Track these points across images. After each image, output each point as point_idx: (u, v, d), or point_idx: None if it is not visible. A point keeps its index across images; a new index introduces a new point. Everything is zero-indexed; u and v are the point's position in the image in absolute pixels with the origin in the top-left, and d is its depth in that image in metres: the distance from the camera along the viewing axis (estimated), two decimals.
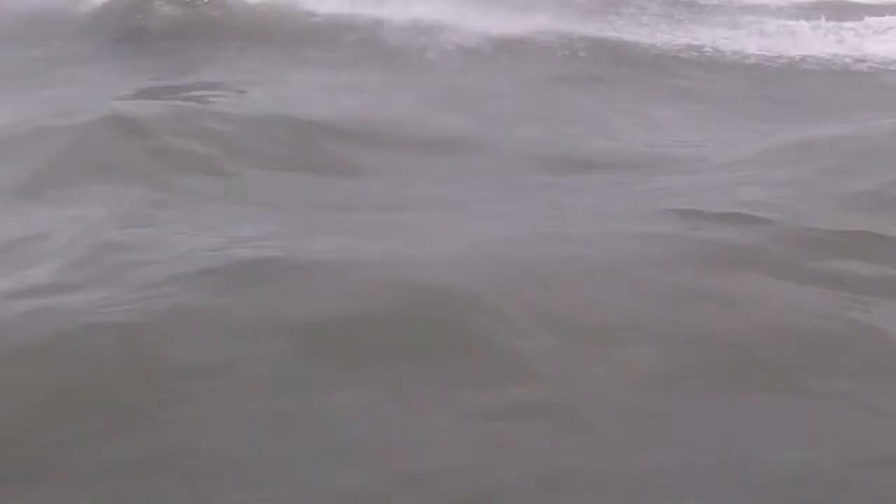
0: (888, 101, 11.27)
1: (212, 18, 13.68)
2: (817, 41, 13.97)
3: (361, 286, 5.59)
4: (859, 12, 14.86)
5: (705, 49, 13.32)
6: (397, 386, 4.87)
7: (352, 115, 9.71)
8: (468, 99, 10.87)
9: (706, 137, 9.68)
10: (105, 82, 11.27)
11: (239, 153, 8.31)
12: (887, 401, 4.96)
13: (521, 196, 7.71)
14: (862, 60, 13.09)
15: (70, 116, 8.99)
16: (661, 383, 4.96)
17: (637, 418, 4.72)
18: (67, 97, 10.00)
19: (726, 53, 13.30)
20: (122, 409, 4.61)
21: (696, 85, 12.12)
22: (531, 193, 7.79)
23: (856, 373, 5.15)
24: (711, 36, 13.87)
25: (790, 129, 9.76)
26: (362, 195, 7.60)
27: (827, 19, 14.79)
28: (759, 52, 13.40)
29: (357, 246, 6.19)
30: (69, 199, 7.04)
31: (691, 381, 5.01)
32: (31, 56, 12.30)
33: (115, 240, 6.13)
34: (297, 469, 4.35)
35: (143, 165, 7.86)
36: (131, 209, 6.85)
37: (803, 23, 14.72)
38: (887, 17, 14.74)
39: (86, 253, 5.93)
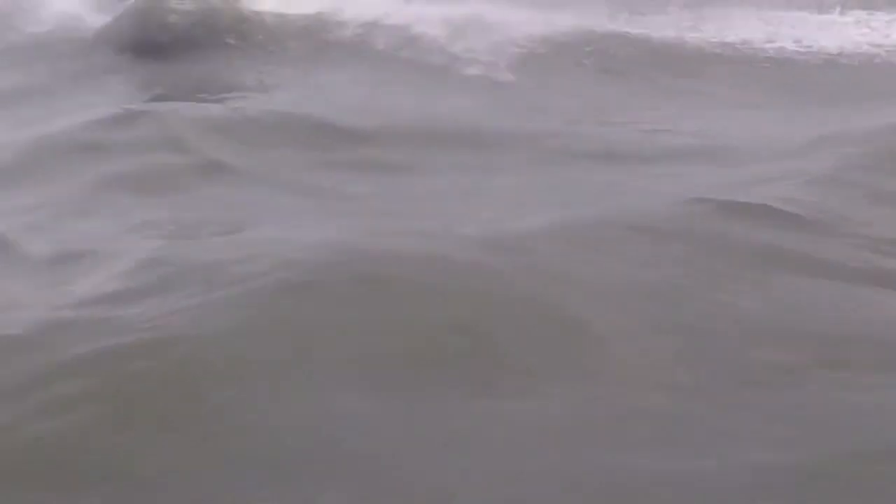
0: None
1: (232, 27, 13.79)
2: (852, 33, 14.00)
3: (379, 290, 5.73)
4: (894, 4, 14.89)
5: (736, 44, 13.39)
6: (410, 392, 5.00)
7: (378, 114, 9.90)
8: (497, 96, 11.02)
9: (738, 132, 9.73)
10: (128, 94, 11.51)
11: (273, 159, 8.52)
12: None
13: (545, 188, 7.86)
14: None
15: (101, 130, 9.23)
16: (680, 384, 5.04)
17: (657, 420, 4.80)
18: (94, 110, 10.18)
19: (759, 48, 13.35)
20: (168, 420, 4.76)
21: (728, 79, 12.18)
22: (557, 186, 7.93)
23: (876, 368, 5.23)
24: (743, 30, 13.94)
25: (824, 122, 9.83)
26: (394, 194, 7.75)
27: (862, 11, 14.84)
28: (793, 47, 13.45)
29: (383, 246, 6.30)
30: (112, 213, 7.24)
31: (710, 382, 5.08)
32: (52, 72, 12.52)
33: (161, 251, 6.29)
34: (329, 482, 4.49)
35: (180, 176, 8.04)
36: (175, 219, 7.05)
37: (836, 15, 14.78)
38: None
39: (132, 265, 6.09)
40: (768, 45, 13.46)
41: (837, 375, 5.13)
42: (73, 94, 11.35)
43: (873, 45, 13.47)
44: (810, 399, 4.94)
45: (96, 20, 14.19)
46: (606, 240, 6.43)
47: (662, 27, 13.87)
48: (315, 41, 13.13)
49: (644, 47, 13.13)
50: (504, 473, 4.48)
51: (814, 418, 4.79)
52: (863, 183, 7.62)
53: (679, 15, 14.76)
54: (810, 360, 5.26)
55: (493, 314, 5.56)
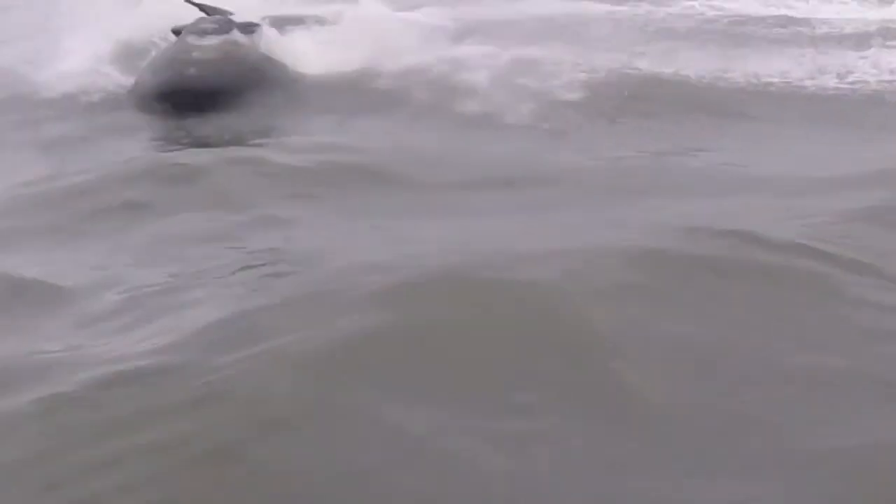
0: None
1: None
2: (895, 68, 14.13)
3: (443, 332, 6.04)
4: None
5: (776, 82, 13.54)
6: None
7: (424, 161, 10.22)
8: (542, 140, 11.23)
9: (778, 168, 9.92)
10: (168, 146, 11.67)
11: (323, 208, 8.80)
12: None
13: (591, 223, 8.11)
14: None
15: (147, 182, 9.54)
16: (706, 424, 5.23)
17: (685, 462, 5.00)
18: (136, 163, 10.48)
19: (800, 85, 13.49)
20: (229, 477, 4.95)
21: (769, 116, 12.27)
22: (604, 220, 8.17)
23: None
24: (783, 68, 14.11)
25: (866, 159, 10.00)
26: (448, 236, 7.87)
27: None
28: (834, 83, 13.57)
29: (445, 287, 6.54)
30: (168, 268, 7.44)
31: (740, 424, 5.25)
32: (87, 124, 12.79)
33: (221, 303, 6.47)
34: None
35: (232, 228, 8.29)
36: (231, 270, 7.30)
37: (878, 49, 14.94)
38: None
39: (193, 318, 6.30)
40: (809, 82, 13.60)
41: (869, 421, 5.24)
42: (111, 146, 11.57)
43: None
44: (844, 441, 5.07)
45: (121, 74, 14.50)
46: (650, 271, 6.63)
47: (700, 66, 14.03)
48: (355, 90, 13.32)
49: (683, 87, 13.29)
50: None
51: (853, 463, 4.94)
52: None
53: (716, 53, 14.97)
54: (842, 400, 5.40)
55: (545, 349, 5.83)
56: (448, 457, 5.02)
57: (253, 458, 5.01)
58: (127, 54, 15.35)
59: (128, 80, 14.19)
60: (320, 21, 15.94)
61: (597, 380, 5.57)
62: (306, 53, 14.43)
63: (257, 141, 11.80)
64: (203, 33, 14.07)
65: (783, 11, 18.13)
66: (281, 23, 15.60)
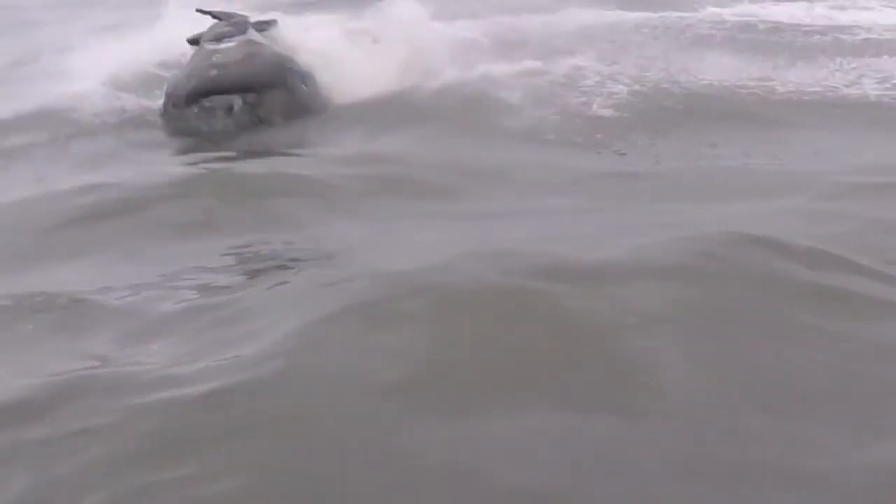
0: None
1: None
2: None
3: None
4: None
5: (819, 90, 13.54)
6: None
7: (460, 171, 10.30)
8: (582, 154, 11.27)
9: (817, 174, 9.90)
10: (202, 159, 11.67)
11: (372, 220, 8.83)
12: None
13: (624, 225, 8.22)
14: None
15: (184, 197, 9.65)
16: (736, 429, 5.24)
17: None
18: (171, 178, 10.52)
19: (843, 94, 13.49)
20: (297, 492, 4.92)
21: (811, 125, 12.30)
22: (634, 224, 8.27)
23: None
24: (824, 77, 14.12)
25: None
26: (483, 239, 7.92)
27: None
28: (876, 90, 13.55)
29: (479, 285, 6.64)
30: (227, 286, 7.43)
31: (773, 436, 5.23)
32: (118, 140, 12.90)
33: (287, 321, 6.43)
34: None
35: (289, 246, 8.30)
36: (284, 284, 7.32)
37: None
38: None
39: (258, 335, 6.30)
40: (850, 90, 13.59)
41: None
42: (143, 163, 11.64)
43: None
44: (870, 459, 5.02)
45: (145, 91, 14.60)
46: (685, 284, 6.61)
47: (738, 75, 14.06)
48: (390, 103, 13.38)
49: (722, 96, 13.34)
50: None
51: (876, 484, 4.88)
52: None
53: (754, 61, 14.98)
54: (871, 418, 5.35)
55: (574, 367, 5.82)
56: (479, 475, 5.02)
57: (303, 486, 4.98)
58: (149, 71, 15.52)
59: (151, 97, 14.30)
60: (357, 32, 15.98)
61: (629, 401, 5.55)
62: (340, 65, 14.40)
63: (293, 154, 11.84)
64: (219, 38, 14.15)
65: (821, 20, 18.16)
66: (314, 32, 15.67)
